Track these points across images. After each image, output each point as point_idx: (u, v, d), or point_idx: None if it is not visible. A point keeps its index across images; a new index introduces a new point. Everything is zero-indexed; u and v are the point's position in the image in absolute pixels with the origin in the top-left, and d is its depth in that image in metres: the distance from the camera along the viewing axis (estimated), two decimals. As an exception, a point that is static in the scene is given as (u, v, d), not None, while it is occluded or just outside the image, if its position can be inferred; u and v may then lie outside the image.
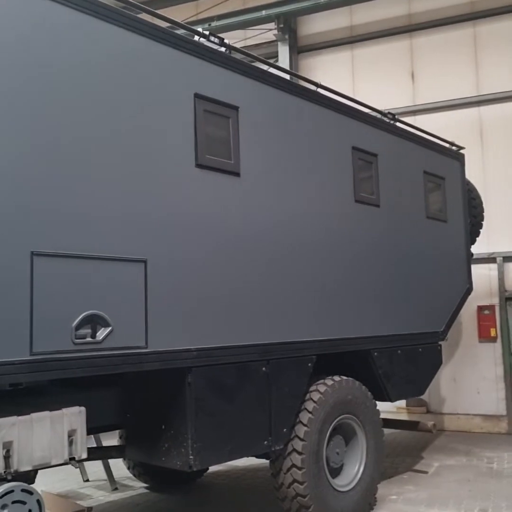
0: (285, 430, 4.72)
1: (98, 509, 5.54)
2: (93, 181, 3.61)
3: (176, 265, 4.01)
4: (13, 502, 3.16)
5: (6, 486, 3.17)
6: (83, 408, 3.60)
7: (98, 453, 4.85)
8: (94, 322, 3.53)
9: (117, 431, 5.51)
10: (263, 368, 4.58)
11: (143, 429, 4.36)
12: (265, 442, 4.57)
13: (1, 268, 3.17)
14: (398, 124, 6.49)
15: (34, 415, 3.38)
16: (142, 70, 3.93)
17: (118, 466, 6.35)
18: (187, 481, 6.29)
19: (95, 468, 6.48)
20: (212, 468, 6.46)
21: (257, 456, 4.97)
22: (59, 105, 3.48)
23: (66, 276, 3.43)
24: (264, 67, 5.13)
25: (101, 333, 3.56)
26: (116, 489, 6.29)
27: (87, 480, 6.58)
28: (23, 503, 3.20)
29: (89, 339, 3.50)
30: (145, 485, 6.31)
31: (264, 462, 5.45)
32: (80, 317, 3.46)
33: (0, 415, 3.28)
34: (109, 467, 6.32)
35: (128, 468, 6.17)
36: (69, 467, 3.91)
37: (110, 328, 3.59)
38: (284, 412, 4.73)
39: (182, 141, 4.13)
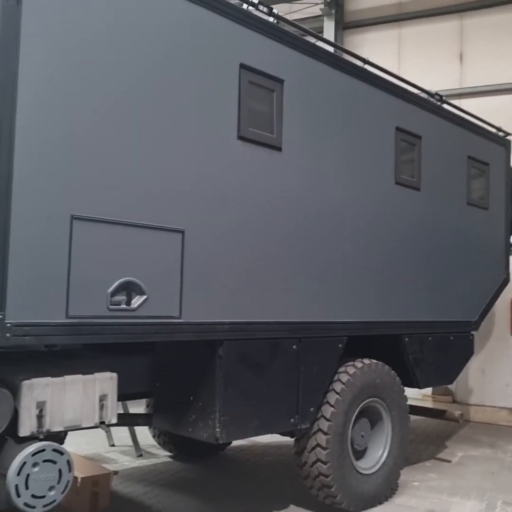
0: (312, 409, 4.71)
1: (123, 474, 5.65)
2: (135, 149, 3.58)
3: (213, 238, 3.99)
4: (44, 461, 3.22)
5: (38, 445, 3.22)
6: (114, 374, 3.63)
7: (126, 419, 4.91)
8: (129, 289, 3.54)
9: (144, 400, 5.59)
10: (294, 346, 4.56)
11: (171, 399, 4.39)
12: (292, 420, 4.56)
13: (41, 230, 3.18)
14: (444, 106, 6.30)
15: (67, 377, 3.42)
16: (189, 36, 3.86)
17: (144, 433, 6.43)
18: (210, 454, 6.36)
19: (120, 433, 6.58)
20: (235, 443, 6.50)
21: (282, 434, 4.98)
22: (109, 71, 3.46)
23: (104, 241, 3.43)
24: (311, 41, 5.01)
25: (136, 301, 3.57)
26: (140, 455, 6.39)
27: (113, 445, 6.70)
28: (54, 462, 3.25)
29: (124, 306, 3.51)
30: (169, 454, 6.39)
31: (286, 439, 5.47)
32: (116, 283, 3.47)
33: (35, 375, 3.32)
34: (135, 434, 6.42)
35: (153, 437, 6.25)
36: (95, 430, 3.98)
37: (145, 296, 3.60)
38: (312, 391, 4.71)
39: (225, 112, 4.07)
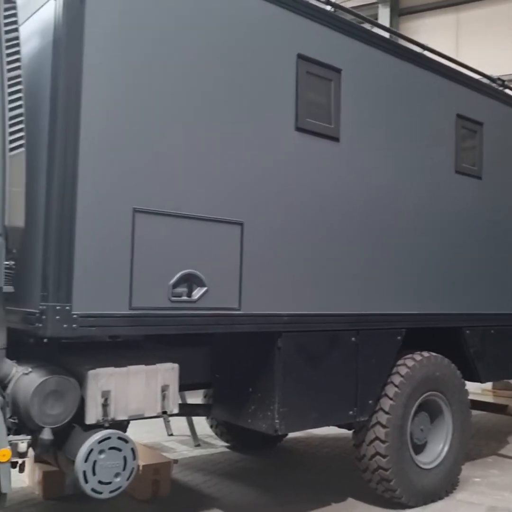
0: (370, 401, 4.66)
1: (182, 463, 5.73)
2: (195, 142, 3.62)
3: (272, 230, 4.00)
4: (110, 448, 3.30)
5: (104, 432, 3.31)
6: (176, 365, 3.69)
7: (186, 409, 4.97)
8: (190, 281, 3.58)
9: (197, 390, 5.65)
10: (352, 338, 4.52)
11: (230, 389, 4.43)
12: (350, 412, 4.53)
13: (105, 223, 3.26)
14: (506, 91, 6.09)
15: (131, 367, 3.50)
16: (247, 28, 3.87)
17: (201, 424, 6.52)
18: (267, 445, 6.37)
19: (178, 423, 6.68)
20: (292, 434, 6.51)
21: (340, 426, 4.96)
22: (170, 66, 3.52)
23: (165, 234, 3.50)
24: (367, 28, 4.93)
25: (197, 293, 3.61)
26: (198, 445, 6.48)
27: (171, 435, 6.82)
28: (119, 450, 3.34)
29: (185, 297, 3.56)
30: (226, 444, 6.45)
31: (343, 431, 5.44)
32: (178, 275, 3.52)
33: (99, 365, 3.41)
34: (193, 424, 6.51)
35: (211, 427, 6.33)
36: (154, 420, 4.05)
37: (205, 288, 3.63)
38: (371, 383, 4.66)
39: (283, 103, 4.06)
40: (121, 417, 3.46)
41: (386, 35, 5.38)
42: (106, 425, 3.39)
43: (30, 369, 3.27)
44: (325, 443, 6.81)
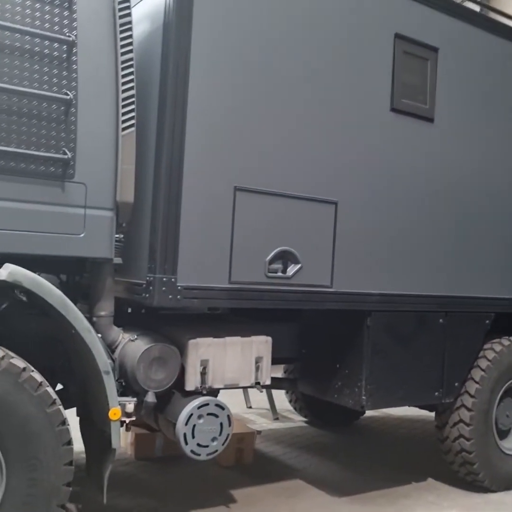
0: (456, 384, 4.66)
1: (263, 434, 5.89)
2: (293, 123, 3.71)
3: (365, 210, 4.04)
4: (208, 414, 3.49)
5: (203, 399, 3.50)
6: (269, 338, 3.83)
7: (273, 382, 5.10)
8: (285, 258, 3.69)
9: (282, 366, 5.78)
10: (440, 320, 4.52)
11: (317, 365, 4.53)
12: (436, 393, 4.55)
13: (208, 200, 3.41)
14: None
15: (228, 339, 3.66)
16: (346, 9, 3.89)
17: (279, 399, 6.68)
18: (344, 422, 6.46)
19: (257, 397, 6.87)
20: (368, 413, 6.56)
21: (422, 407, 4.98)
22: (274, 50, 3.61)
23: (263, 211, 3.61)
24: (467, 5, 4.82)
25: (291, 269, 3.72)
26: (277, 419, 6.65)
27: (250, 407, 7.01)
28: (216, 416, 3.52)
29: (280, 274, 3.68)
30: (304, 419, 6.59)
31: (421, 413, 5.43)
32: (274, 252, 3.64)
33: (198, 335, 3.59)
34: (273, 397, 6.68)
35: (290, 402, 6.47)
36: (234, 392, 4.19)
37: (299, 265, 3.74)
38: (457, 366, 4.65)
39: (379, 83, 4.07)
40: (218, 385, 3.64)
41: (477, 9, 5.21)
42: (204, 392, 3.57)
43: (135, 336, 3.48)
44: (402, 424, 6.84)
